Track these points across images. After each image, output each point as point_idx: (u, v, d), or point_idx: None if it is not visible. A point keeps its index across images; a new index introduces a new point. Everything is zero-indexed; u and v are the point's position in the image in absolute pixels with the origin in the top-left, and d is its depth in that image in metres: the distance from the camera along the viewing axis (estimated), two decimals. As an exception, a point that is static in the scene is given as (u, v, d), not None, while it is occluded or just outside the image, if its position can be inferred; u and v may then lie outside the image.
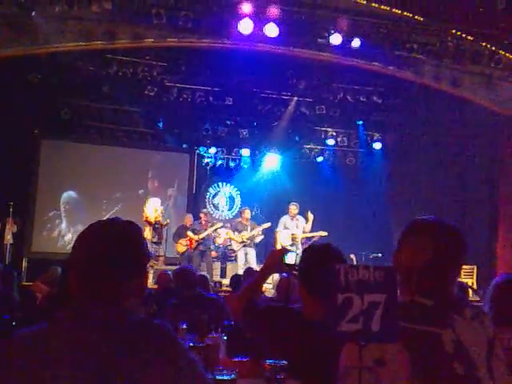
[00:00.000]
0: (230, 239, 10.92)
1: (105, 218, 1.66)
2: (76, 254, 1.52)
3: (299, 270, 2.40)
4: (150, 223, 10.05)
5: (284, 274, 4.03)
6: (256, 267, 8.73)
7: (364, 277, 1.45)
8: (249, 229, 10.56)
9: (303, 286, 2.35)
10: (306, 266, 2.37)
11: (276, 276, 6.75)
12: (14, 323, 3.97)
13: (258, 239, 10.79)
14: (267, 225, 10.67)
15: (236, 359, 2.83)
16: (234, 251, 10.88)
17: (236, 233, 10.59)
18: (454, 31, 8.66)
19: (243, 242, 10.48)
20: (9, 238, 10.29)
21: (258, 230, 10.59)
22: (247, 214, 10.76)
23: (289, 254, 2.49)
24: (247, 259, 10.41)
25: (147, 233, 9.86)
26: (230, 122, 12.40)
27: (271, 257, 2.61)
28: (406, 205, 11.38)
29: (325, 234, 10.28)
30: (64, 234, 12.12)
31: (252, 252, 10.48)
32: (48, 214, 12.07)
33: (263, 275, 2.61)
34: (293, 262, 2.47)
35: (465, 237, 1.78)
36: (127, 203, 12.19)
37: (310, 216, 10.33)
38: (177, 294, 4.87)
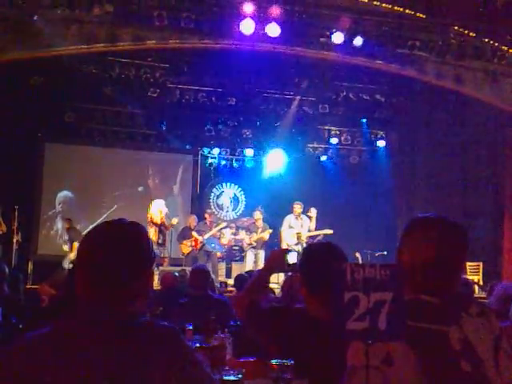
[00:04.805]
0: (240, 239, 11.01)
1: (105, 218, 1.64)
2: (81, 256, 1.51)
3: (300, 269, 2.39)
4: (155, 224, 10.05)
5: (289, 274, 4.02)
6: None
7: (370, 275, 1.44)
8: (259, 231, 10.63)
9: (304, 285, 2.35)
10: (307, 265, 2.37)
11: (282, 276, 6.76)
12: (20, 326, 3.97)
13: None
14: (268, 232, 10.68)
15: (243, 359, 2.83)
16: (243, 251, 10.93)
17: (248, 233, 10.71)
18: (456, 28, 8.65)
19: (250, 244, 10.59)
20: (14, 241, 10.30)
21: (263, 235, 10.63)
22: (256, 215, 10.85)
23: (290, 254, 2.48)
24: (256, 260, 10.47)
25: (152, 234, 9.86)
26: (233, 122, 12.39)
27: (273, 256, 2.61)
28: (411, 202, 11.36)
29: (330, 232, 10.27)
30: (61, 233, 12.09)
31: (262, 254, 10.55)
32: (48, 213, 12.10)
33: (265, 275, 2.60)
34: (295, 262, 2.46)
35: (467, 233, 1.77)
36: (127, 203, 12.14)
37: (313, 212, 10.35)
38: (186, 294, 4.87)
